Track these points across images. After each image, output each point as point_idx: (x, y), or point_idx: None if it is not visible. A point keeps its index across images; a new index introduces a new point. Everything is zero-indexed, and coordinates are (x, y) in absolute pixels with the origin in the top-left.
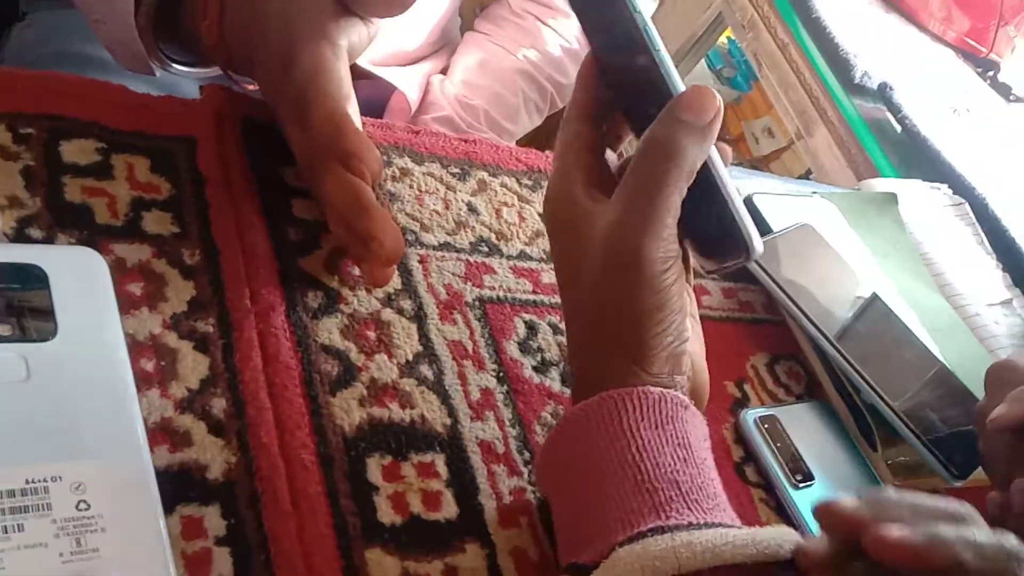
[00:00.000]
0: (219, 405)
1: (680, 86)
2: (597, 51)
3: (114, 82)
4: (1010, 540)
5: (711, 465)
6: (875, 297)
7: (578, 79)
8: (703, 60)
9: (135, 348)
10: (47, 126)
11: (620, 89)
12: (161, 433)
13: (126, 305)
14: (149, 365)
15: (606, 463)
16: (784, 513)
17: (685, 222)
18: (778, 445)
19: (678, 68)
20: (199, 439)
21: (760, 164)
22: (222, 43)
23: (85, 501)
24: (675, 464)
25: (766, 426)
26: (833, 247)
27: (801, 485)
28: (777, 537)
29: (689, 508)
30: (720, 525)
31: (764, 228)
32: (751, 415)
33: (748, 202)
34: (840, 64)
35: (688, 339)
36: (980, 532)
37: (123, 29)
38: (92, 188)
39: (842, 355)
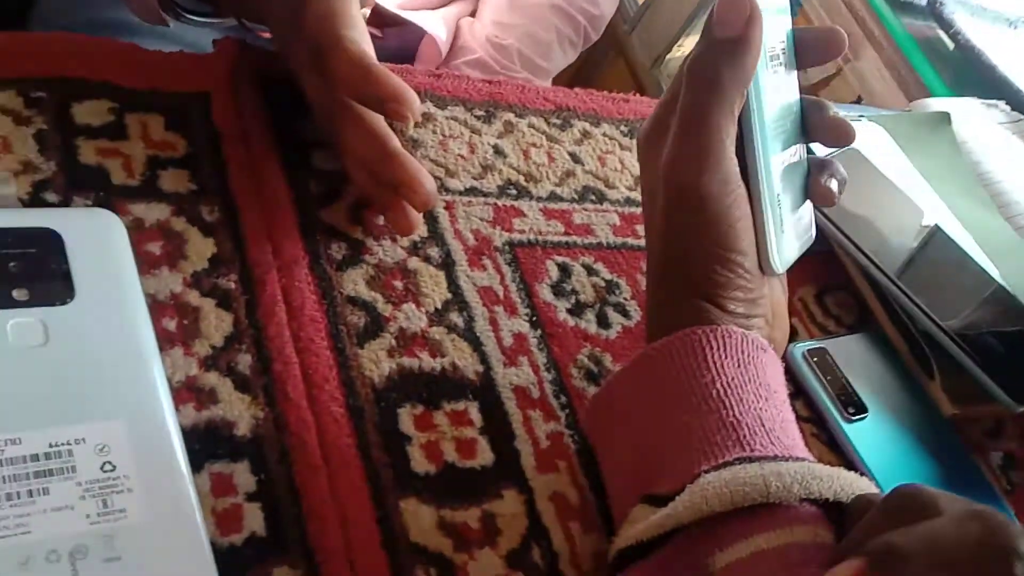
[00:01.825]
0: (244, 361)
1: None
2: None
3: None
4: None
5: (789, 407)
6: (936, 228)
7: None
8: None
9: (156, 308)
10: (58, 89)
11: None
12: (186, 392)
13: (146, 265)
14: (171, 324)
15: (689, 397)
16: (837, 448)
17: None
18: (828, 378)
19: None
20: (225, 396)
21: (810, 92)
22: None
23: (110, 462)
24: (757, 402)
25: (815, 359)
26: (883, 173)
27: (854, 418)
28: (856, 481)
29: (772, 444)
30: (805, 459)
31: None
32: (799, 349)
33: None
34: None
35: (765, 281)
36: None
37: None
38: (106, 149)
39: (895, 284)
